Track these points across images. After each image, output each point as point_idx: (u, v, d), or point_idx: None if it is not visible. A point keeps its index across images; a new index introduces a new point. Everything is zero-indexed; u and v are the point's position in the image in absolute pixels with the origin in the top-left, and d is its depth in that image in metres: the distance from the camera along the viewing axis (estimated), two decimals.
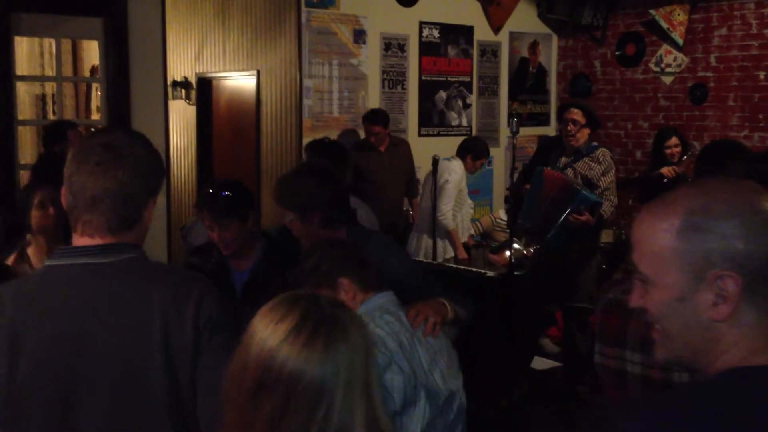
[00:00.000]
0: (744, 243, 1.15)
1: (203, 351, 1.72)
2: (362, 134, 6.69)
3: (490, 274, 5.17)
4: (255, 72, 7.17)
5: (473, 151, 6.31)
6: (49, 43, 7.88)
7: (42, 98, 8.76)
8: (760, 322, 1.17)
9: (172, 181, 6.82)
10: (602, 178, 5.33)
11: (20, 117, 6.42)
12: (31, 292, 1.74)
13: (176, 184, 7.81)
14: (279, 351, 1.33)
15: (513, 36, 8.27)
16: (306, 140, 6.72)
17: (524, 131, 7.47)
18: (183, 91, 7.97)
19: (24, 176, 5.85)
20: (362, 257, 2.49)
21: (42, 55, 8.42)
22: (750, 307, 1.16)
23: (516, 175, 5.41)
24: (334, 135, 6.81)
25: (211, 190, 3.15)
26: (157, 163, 1.86)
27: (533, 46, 8.47)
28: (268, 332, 1.36)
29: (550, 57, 8.66)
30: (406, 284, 2.67)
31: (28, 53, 8.21)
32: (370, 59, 7.17)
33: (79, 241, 1.76)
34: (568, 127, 5.35)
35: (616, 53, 8.13)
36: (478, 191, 7.89)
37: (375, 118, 6.42)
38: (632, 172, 7.90)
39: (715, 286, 1.16)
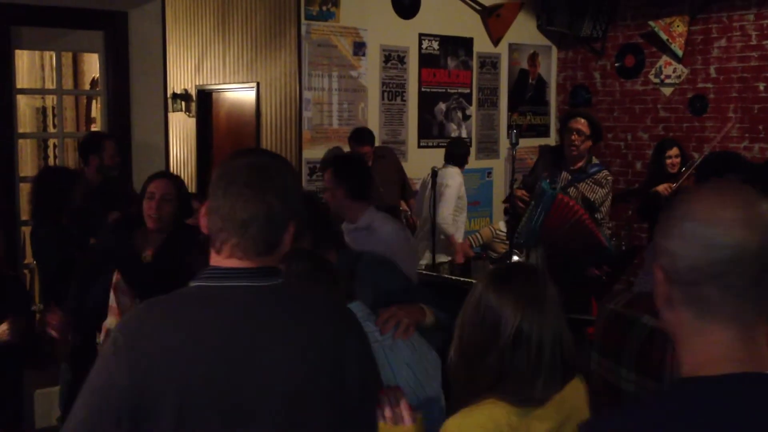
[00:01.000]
0: (671, 243, 1.23)
1: (365, 376, 1.78)
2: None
3: None
4: (255, 84, 7.18)
5: (468, 154, 6.48)
6: (50, 56, 7.89)
7: (42, 111, 8.77)
8: (696, 321, 1.23)
9: None
10: (605, 202, 5.26)
11: (21, 130, 6.42)
12: (187, 313, 1.68)
13: None
14: (517, 314, 1.88)
15: (512, 48, 8.29)
16: (306, 152, 6.75)
17: (524, 142, 7.48)
18: (183, 103, 7.99)
19: (24, 189, 5.85)
20: (334, 269, 2.44)
21: (42, 68, 8.43)
22: (683, 304, 1.23)
23: (516, 186, 5.38)
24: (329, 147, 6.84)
25: None
26: (299, 186, 1.85)
27: (533, 58, 8.49)
28: (500, 299, 1.89)
29: (550, 68, 8.68)
30: (401, 299, 2.66)
31: (29, 66, 8.22)
32: (370, 71, 7.18)
33: (225, 262, 1.71)
34: (572, 137, 5.11)
35: (616, 65, 8.15)
36: (478, 203, 7.89)
37: (362, 138, 6.37)
38: (632, 183, 7.90)
39: (659, 276, 1.26)
